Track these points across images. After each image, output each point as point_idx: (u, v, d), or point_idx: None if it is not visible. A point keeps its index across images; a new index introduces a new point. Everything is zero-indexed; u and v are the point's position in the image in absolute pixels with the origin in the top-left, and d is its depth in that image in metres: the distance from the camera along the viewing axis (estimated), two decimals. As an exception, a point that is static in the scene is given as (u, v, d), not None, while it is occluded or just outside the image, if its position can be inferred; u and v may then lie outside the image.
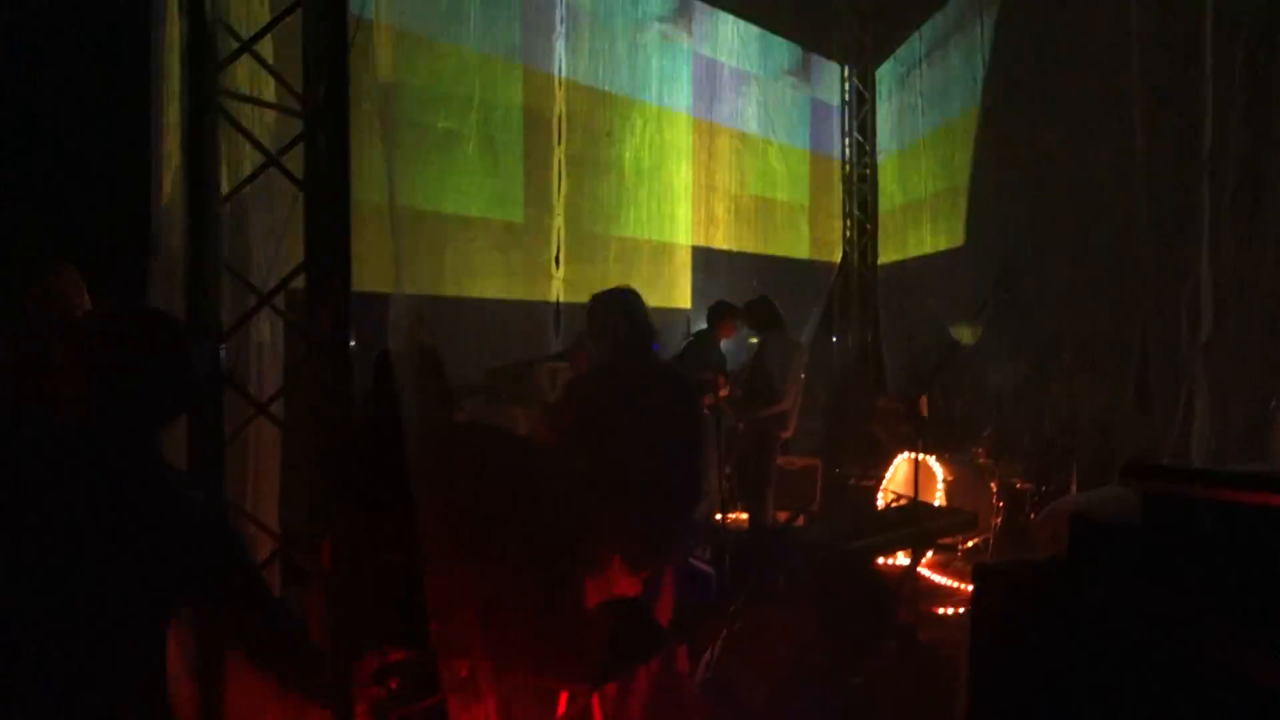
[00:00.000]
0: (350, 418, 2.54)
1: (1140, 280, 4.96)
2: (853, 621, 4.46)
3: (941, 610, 6.43)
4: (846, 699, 4.26)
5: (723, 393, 7.74)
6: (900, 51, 10.82)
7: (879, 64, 11.22)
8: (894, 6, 10.83)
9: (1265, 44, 4.16)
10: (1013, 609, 3.05)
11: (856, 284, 11.40)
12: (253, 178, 3.11)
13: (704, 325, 8.48)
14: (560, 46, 9.22)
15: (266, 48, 3.38)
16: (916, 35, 10.47)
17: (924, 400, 9.48)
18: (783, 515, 8.25)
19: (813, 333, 11.22)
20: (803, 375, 7.76)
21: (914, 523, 5.41)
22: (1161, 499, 2.72)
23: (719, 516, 6.91)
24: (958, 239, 9.99)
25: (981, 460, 7.51)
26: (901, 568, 6.35)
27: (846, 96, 11.30)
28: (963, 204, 9.76)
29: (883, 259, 11.41)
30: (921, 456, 7.74)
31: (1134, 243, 4.79)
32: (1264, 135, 4.13)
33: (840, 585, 4.49)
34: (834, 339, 11.32)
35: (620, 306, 3.75)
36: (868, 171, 11.33)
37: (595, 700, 2.81)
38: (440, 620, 2.53)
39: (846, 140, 11.35)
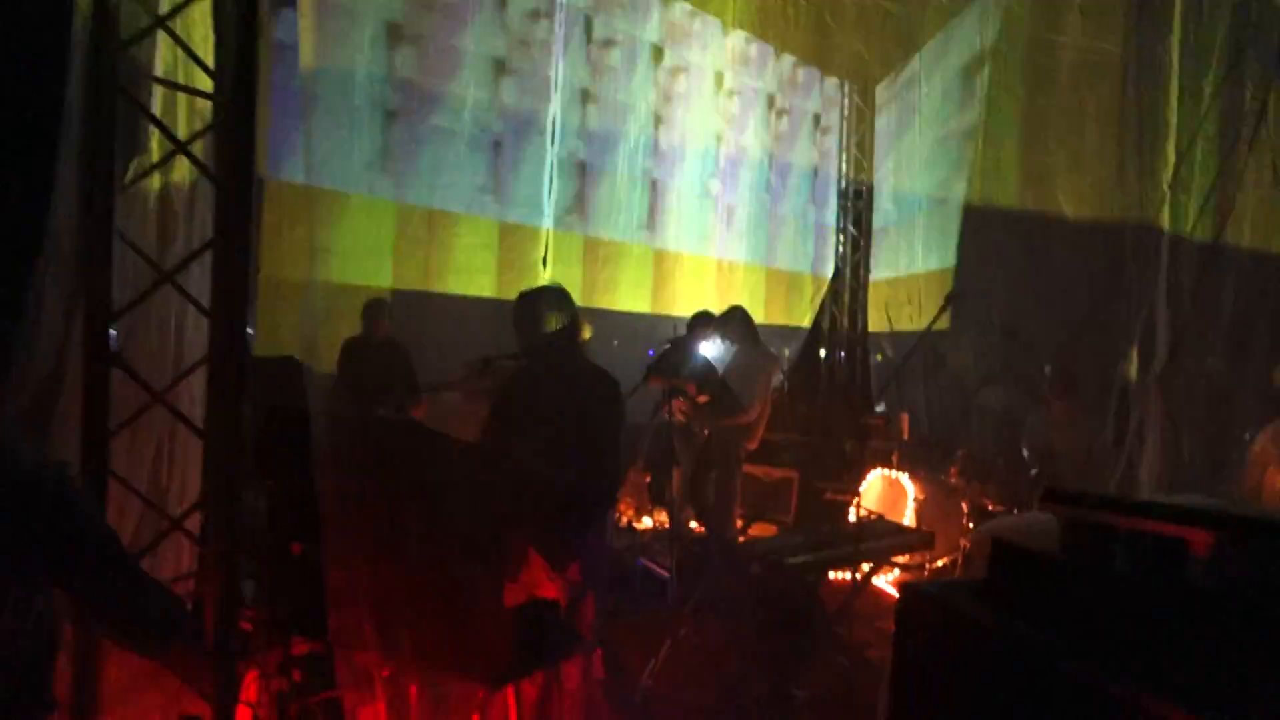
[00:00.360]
0: (242, 404, 2.51)
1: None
2: (794, 636, 4.42)
3: (896, 628, 6.35)
4: (783, 713, 4.23)
5: (700, 399, 7.74)
6: (900, 69, 10.80)
7: (879, 80, 11.21)
8: (896, 24, 10.81)
9: (1232, 76, 4.14)
10: (930, 630, 3.03)
11: (847, 299, 11.37)
12: (161, 163, 3.03)
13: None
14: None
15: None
16: (918, 56, 10.46)
17: (905, 418, 9.47)
18: (754, 528, 8.24)
19: (801, 346, 11.22)
20: (776, 387, 7.74)
21: (870, 539, 5.37)
22: (1079, 526, 2.70)
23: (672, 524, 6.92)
24: (949, 260, 9.97)
25: (954, 480, 7.46)
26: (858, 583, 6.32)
27: (845, 112, 11.29)
28: (955, 223, 9.74)
29: (875, 276, 11.39)
30: (894, 474, 7.71)
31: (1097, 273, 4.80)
32: (1227, 167, 4.11)
33: (783, 599, 4.45)
34: (822, 353, 11.29)
35: (543, 305, 3.72)
36: (862, 189, 11.30)
37: (511, 701, 2.79)
38: (339, 614, 2.51)
39: (844, 156, 11.33)
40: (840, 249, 11.39)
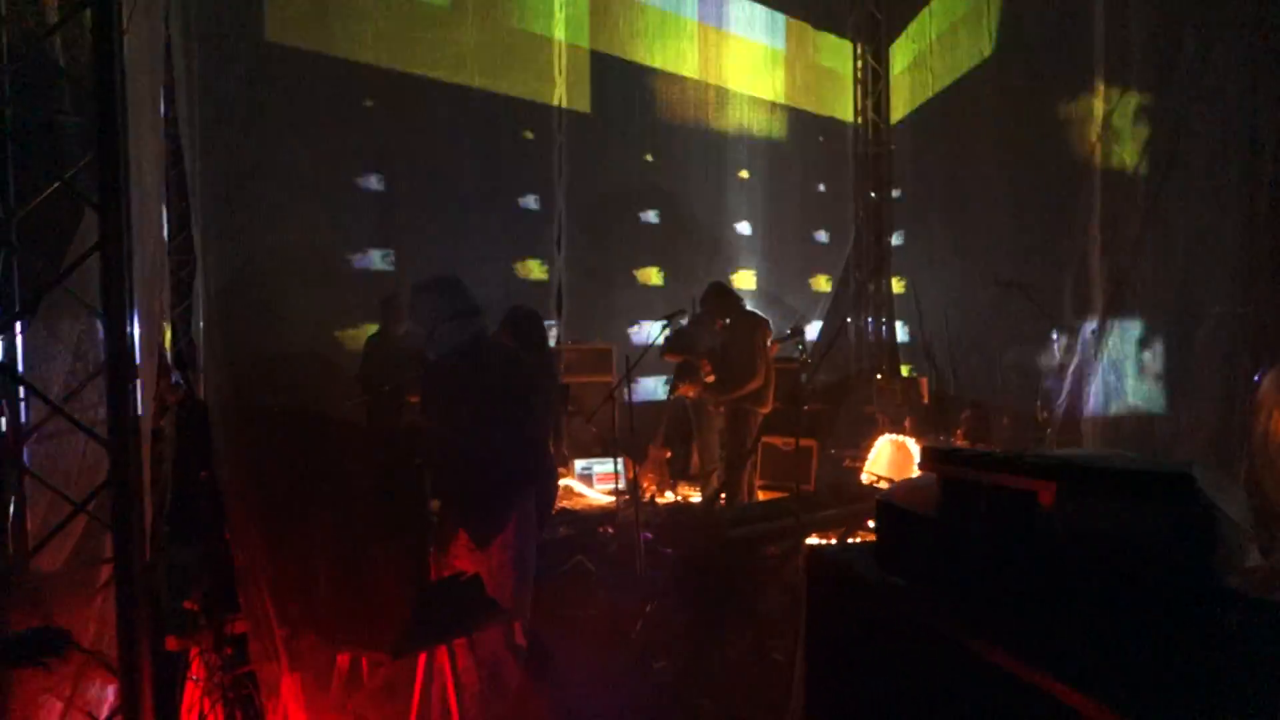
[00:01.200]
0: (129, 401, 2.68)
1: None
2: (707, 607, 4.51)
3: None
4: (689, 682, 4.31)
5: (708, 378, 7.85)
6: (911, 28, 10.66)
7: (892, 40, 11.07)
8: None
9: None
10: (829, 589, 3.13)
11: (870, 263, 11.30)
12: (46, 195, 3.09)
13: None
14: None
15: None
16: (927, 11, 10.32)
17: (924, 382, 9.43)
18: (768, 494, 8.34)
19: (824, 313, 11.23)
20: (773, 347, 7.80)
21: (815, 509, 5.42)
22: (950, 483, 2.76)
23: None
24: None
25: (959, 442, 7.43)
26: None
27: (859, 74, 11.17)
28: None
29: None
30: (903, 439, 7.72)
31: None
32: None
33: (706, 571, 4.56)
34: (847, 320, 11.25)
35: (436, 295, 3.80)
36: (882, 150, 11.19)
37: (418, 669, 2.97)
38: (246, 591, 2.71)
39: (859, 119, 11.23)
40: (860, 213, 11.31)
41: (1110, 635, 2.28)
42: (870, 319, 11.20)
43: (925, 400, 9.14)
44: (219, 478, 2.78)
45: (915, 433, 8.04)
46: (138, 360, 2.80)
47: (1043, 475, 2.43)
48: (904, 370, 10.78)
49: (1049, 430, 7.11)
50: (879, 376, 9.82)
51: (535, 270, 9.60)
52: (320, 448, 2.83)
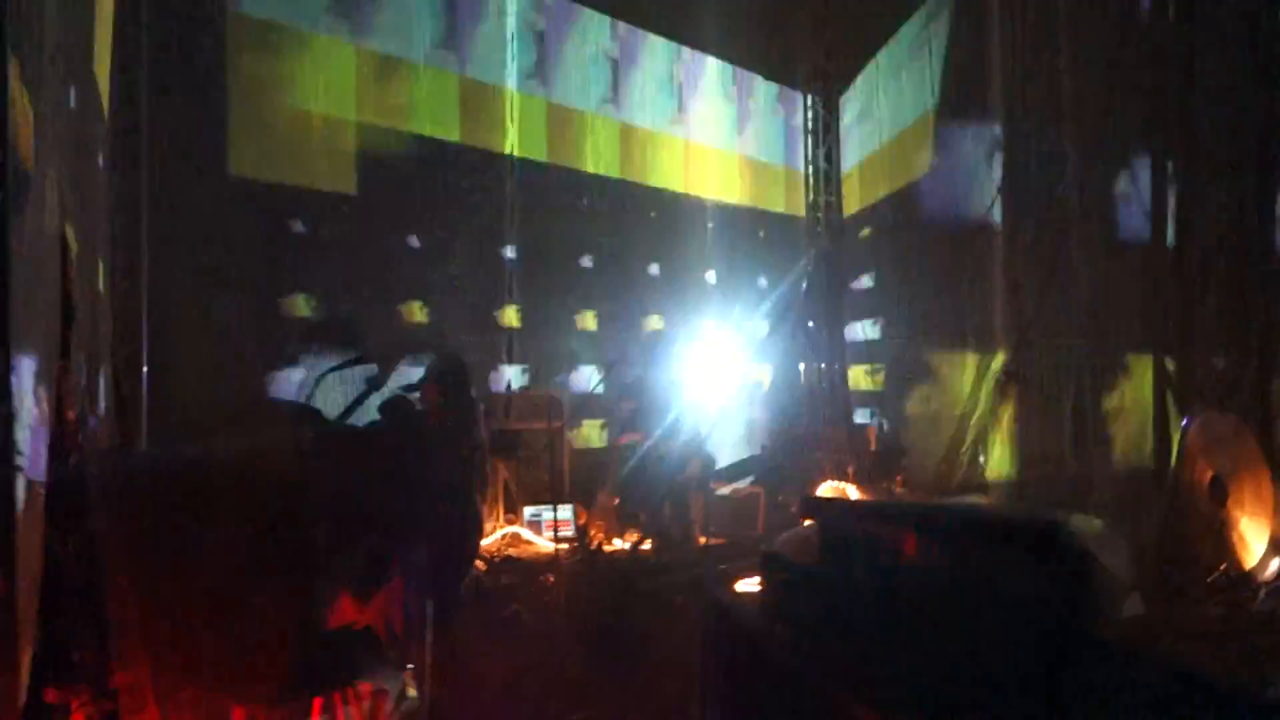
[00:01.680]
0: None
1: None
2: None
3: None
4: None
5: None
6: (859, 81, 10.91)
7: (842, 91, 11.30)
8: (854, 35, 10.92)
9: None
10: (721, 638, 3.14)
11: (823, 308, 11.39)
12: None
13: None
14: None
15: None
16: (873, 64, 10.55)
17: (871, 431, 9.50)
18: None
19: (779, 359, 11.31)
20: None
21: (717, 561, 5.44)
22: (829, 534, 2.79)
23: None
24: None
25: (898, 489, 7.48)
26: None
27: (810, 125, 11.36)
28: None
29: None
30: (843, 485, 7.76)
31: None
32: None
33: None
34: (800, 365, 11.31)
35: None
36: (833, 198, 11.35)
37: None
38: (125, 641, 2.68)
39: (811, 168, 11.40)
40: (809, 264, 11.44)
41: (964, 687, 2.30)
42: (822, 365, 11.26)
43: (872, 448, 9.20)
44: (97, 527, 2.77)
45: (858, 480, 8.08)
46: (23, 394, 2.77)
47: (904, 525, 2.47)
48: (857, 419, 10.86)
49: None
50: (828, 427, 9.88)
51: (417, 313, 9.61)
52: (208, 498, 2.83)
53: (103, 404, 6.25)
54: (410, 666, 3.38)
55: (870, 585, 2.56)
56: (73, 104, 4.68)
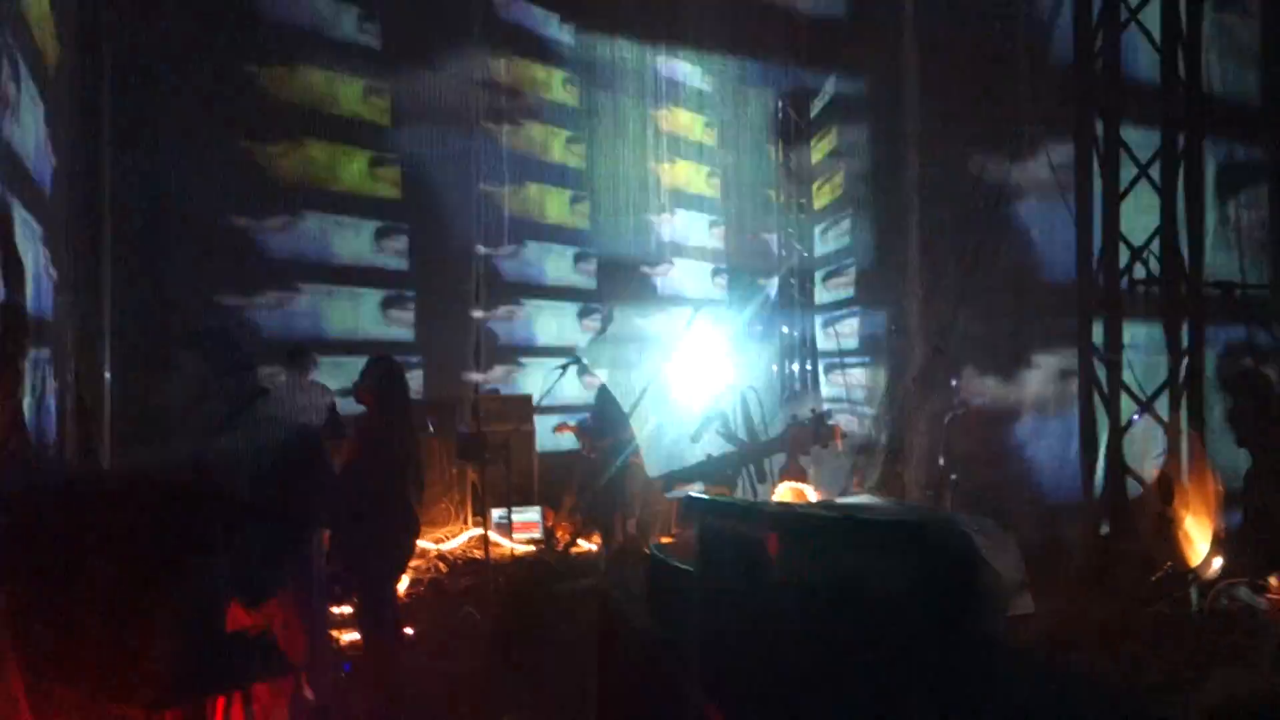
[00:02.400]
0: None
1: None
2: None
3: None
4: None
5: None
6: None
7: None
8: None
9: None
10: (613, 636, 3.14)
11: (796, 316, 11.41)
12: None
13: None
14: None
15: None
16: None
17: (837, 430, 9.47)
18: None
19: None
20: None
21: None
22: (706, 533, 2.79)
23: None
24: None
25: (855, 488, 7.47)
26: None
27: (779, 130, 11.37)
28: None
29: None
30: (801, 485, 7.74)
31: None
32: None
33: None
34: (773, 367, 11.33)
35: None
36: (804, 201, 11.36)
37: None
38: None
39: (781, 174, 11.41)
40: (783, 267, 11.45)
41: (834, 691, 2.28)
42: (793, 366, 11.28)
43: (839, 449, 9.16)
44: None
45: (821, 482, 8.05)
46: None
47: (768, 526, 2.47)
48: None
49: (952, 477, 7.19)
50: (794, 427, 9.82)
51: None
52: (91, 502, 2.84)
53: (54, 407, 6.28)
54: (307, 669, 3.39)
55: (740, 586, 2.54)
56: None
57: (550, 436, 9.82)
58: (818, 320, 11.36)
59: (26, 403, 4.86)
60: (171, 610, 2.86)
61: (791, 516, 2.50)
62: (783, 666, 2.38)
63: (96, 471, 4.11)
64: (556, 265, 10.90)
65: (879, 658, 2.29)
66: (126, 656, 2.80)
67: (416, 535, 5.02)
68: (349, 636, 5.43)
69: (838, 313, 11.01)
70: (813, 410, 8.40)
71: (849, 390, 10.61)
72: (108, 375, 8.04)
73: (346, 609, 5.46)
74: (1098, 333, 6.01)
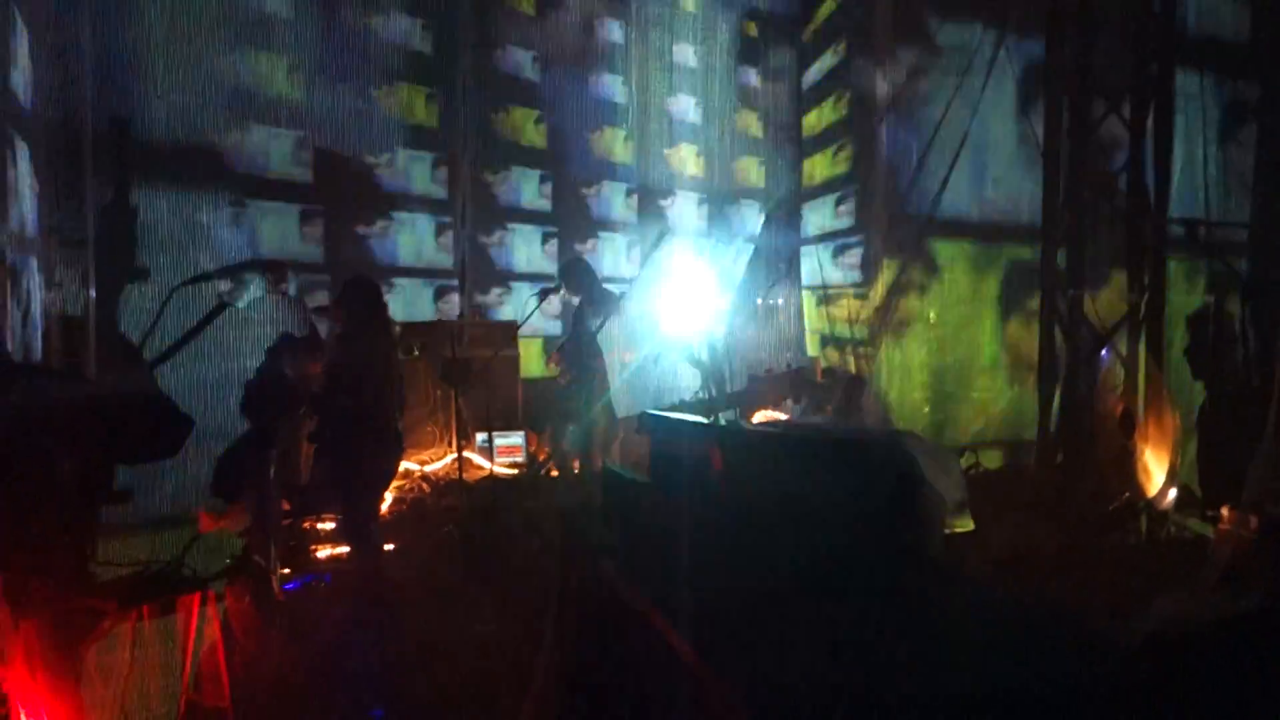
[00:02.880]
0: None
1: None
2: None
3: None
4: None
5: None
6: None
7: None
8: None
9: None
10: (568, 556, 3.26)
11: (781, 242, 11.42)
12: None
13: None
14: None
15: None
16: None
17: (818, 363, 9.60)
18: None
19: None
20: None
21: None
22: (657, 450, 2.90)
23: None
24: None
25: (827, 414, 7.59)
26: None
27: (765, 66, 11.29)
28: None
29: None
30: (776, 414, 7.88)
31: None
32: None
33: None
34: (758, 300, 11.38)
35: None
36: (793, 132, 11.30)
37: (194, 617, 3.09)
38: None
39: (768, 113, 11.35)
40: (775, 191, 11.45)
41: (779, 599, 2.38)
42: (779, 299, 11.33)
43: (818, 378, 9.29)
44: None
45: (797, 410, 8.18)
46: None
47: (714, 441, 2.57)
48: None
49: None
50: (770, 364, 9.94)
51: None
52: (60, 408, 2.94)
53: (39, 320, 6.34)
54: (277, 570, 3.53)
55: (687, 498, 2.65)
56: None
57: (534, 362, 9.87)
58: (811, 252, 11.32)
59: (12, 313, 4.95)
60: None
61: (738, 433, 2.60)
62: (724, 575, 2.48)
63: (68, 380, 4.17)
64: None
65: (818, 566, 2.41)
66: (94, 552, 2.90)
67: (399, 454, 5.14)
68: (328, 551, 5.59)
69: (832, 242, 11.00)
70: (788, 365, 8.43)
71: (833, 324, 10.70)
72: (92, 292, 8.09)
73: (329, 524, 5.65)
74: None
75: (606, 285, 8.18)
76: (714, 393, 7.92)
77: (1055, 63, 6.14)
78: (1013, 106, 6.34)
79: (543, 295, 7.67)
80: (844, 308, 10.26)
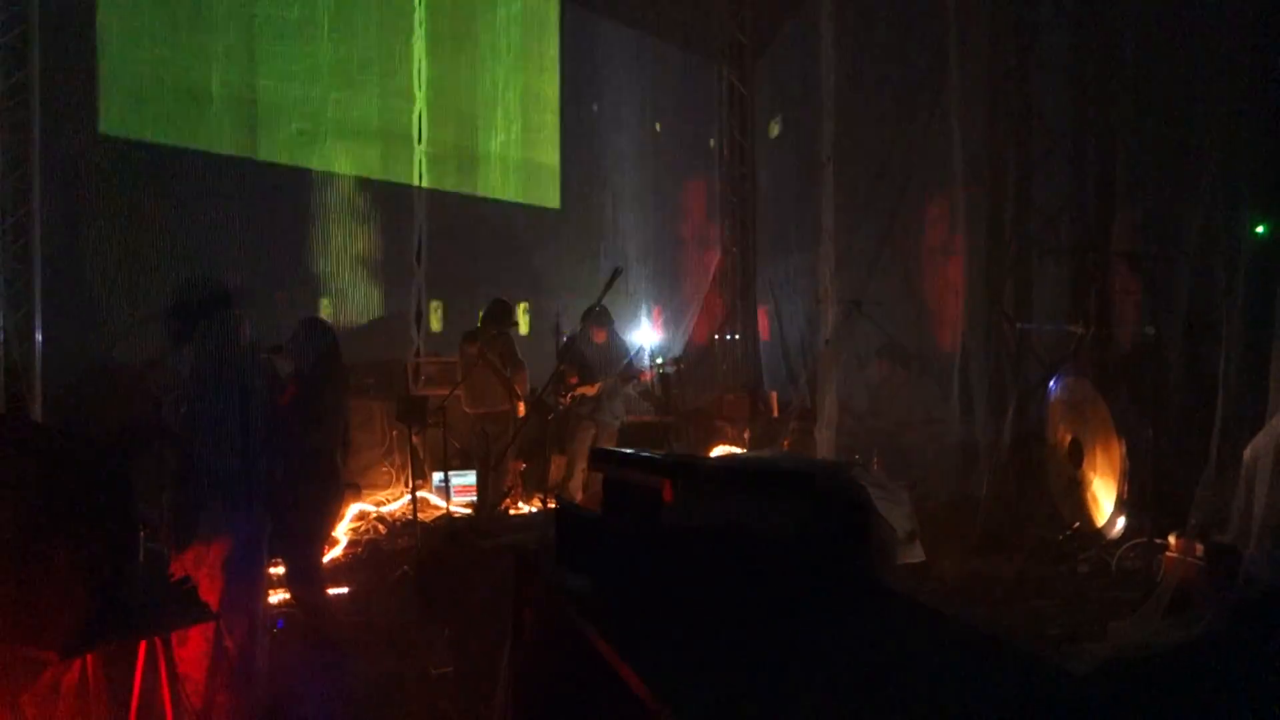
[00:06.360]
0: None
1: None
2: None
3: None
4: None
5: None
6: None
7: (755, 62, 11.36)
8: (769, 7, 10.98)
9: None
10: (524, 588, 3.24)
11: (737, 281, 11.54)
12: None
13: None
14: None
15: None
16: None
17: (774, 396, 9.68)
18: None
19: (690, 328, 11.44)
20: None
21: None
22: (610, 483, 2.90)
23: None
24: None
25: (784, 447, 7.67)
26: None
27: (724, 96, 11.44)
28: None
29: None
30: (733, 449, 7.93)
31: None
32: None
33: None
34: (714, 337, 11.47)
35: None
36: (747, 170, 11.45)
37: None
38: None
39: (724, 139, 11.49)
40: (728, 231, 11.55)
41: (712, 628, 2.39)
42: (735, 335, 11.43)
43: (775, 413, 9.38)
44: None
45: (753, 444, 8.25)
46: None
47: (663, 473, 2.58)
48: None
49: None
50: (729, 394, 10.01)
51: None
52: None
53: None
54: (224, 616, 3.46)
55: (638, 532, 2.65)
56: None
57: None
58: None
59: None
60: (81, 555, 2.91)
61: (688, 465, 2.61)
62: (674, 609, 2.48)
63: (7, 417, 4.10)
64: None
65: (768, 598, 2.43)
66: (37, 602, 2.84)
67: (342, 498, 5.09)
68: (279, 596, 5.49)
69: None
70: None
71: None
72: (38, 337, 7.98)
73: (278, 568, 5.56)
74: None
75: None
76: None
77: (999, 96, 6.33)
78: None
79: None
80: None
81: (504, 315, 8.13)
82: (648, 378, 8.56)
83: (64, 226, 8.03)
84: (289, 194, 9.27)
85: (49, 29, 7.63)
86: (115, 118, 8.06)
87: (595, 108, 11.12)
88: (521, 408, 8.28)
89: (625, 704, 2.23)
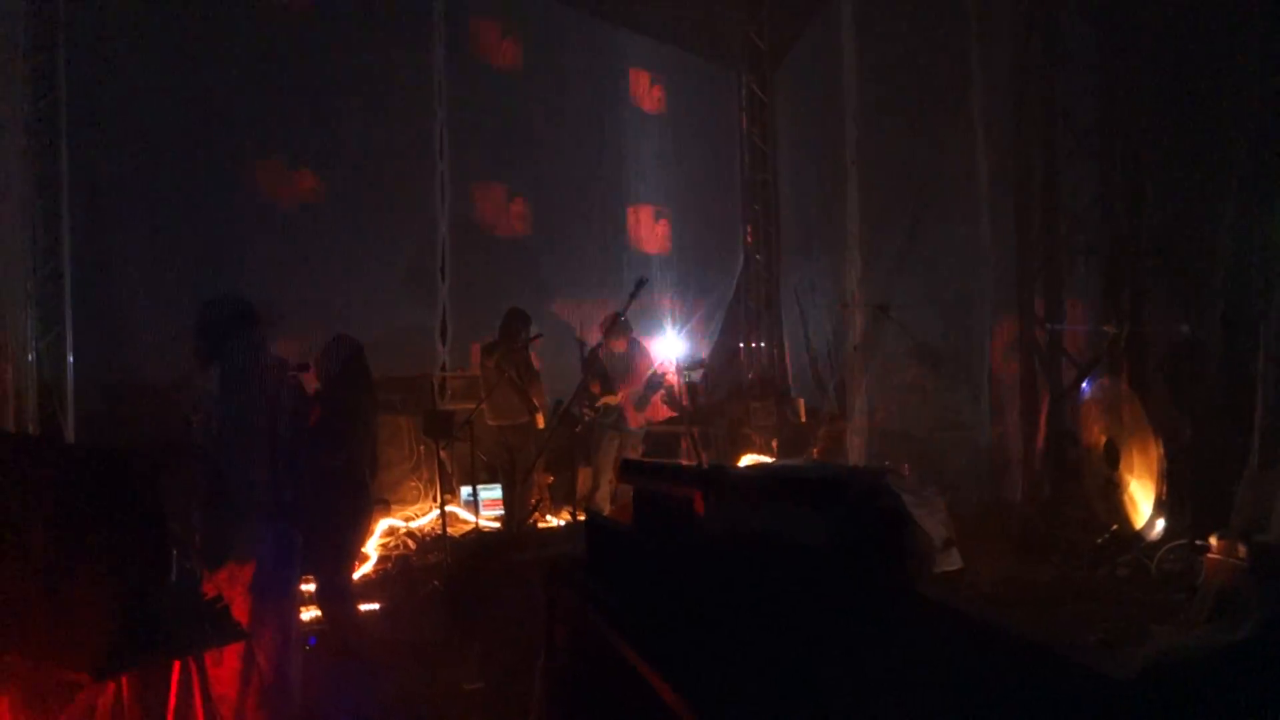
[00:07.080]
0: None
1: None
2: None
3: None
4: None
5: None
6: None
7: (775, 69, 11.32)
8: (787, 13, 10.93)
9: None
10: (557, 602, 3.22)
11: (761, 288, 11.48)
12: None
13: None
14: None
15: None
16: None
17: (800, 402, 9.60)
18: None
19: (715, 336, 11.38)
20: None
21: None
22: (640, 494, 2.87)
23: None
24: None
25: (814, 456, 7.60)
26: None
27: (744, 103, 11.41)
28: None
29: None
30: (763, 458, 7.87)
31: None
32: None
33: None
34: (740, 344, 11.41)
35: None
36: (768, 176, 11.41)
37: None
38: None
39: (745, 145, 11.45)
40: (749, 239, 11.50)
41: (746, 639, 2.35)
42: (761, 342, 11.37)
43: (802, 420, 9.29)
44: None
45: (782, 452, 8.18)
46: None
47: (695, 484, 2.55)
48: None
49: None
50: (755, 401, 9.93)
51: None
52: (31, 468, 2.88)
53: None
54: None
55: (669, 544, 2.62)
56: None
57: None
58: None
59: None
60: (113, 576, 2.91)
61: (719, 476, 2.58)
62: (708, 621, 2.45)
63: (40, 439, 4.14)
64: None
65: (802, 610, 2.39)
66: (69, 623, 2.84)
67: (371, 514, 5.09)
68: (311, 613, 5.50)
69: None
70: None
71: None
72: (70, 358, 8.06)
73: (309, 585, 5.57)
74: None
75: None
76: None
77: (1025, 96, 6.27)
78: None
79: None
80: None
81: (520, 325, 8.10)
82: (673, 382, 8.48)
83: (94, 248, 8.13)
84: (313, 210, 9.32)
85: (76, 51, 7.74)
86: (141, 138, 8.15)
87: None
88: (540, 419, 8.25)
89: (660, 718, 2.19)
